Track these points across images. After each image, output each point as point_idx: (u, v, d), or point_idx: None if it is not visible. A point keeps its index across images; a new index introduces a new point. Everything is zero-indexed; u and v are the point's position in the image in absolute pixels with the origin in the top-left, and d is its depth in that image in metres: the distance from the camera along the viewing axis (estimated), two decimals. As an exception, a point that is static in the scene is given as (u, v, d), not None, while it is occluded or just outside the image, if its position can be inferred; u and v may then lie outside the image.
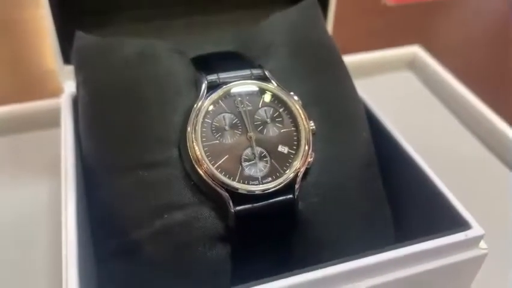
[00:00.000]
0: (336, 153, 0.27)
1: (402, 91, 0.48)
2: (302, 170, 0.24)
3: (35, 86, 0.49)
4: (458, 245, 0.24)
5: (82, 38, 0.28)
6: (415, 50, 0.50)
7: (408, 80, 0.50)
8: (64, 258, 0.22)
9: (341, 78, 0.30)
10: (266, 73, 0.26)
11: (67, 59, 0.32)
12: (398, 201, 0.29)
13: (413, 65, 0.51)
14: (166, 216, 0.24)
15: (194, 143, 0.24)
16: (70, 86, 0.31)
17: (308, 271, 0.22)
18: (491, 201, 0.36)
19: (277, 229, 0.25)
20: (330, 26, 0.37)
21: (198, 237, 0.24)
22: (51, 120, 0.38)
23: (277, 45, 0.29)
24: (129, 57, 0.27)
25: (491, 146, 0.41)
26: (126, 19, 0.36)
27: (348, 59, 0.48)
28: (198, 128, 0.24)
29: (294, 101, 0.26)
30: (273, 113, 0.25)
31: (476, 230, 0.24)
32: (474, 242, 0.24)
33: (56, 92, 0.45)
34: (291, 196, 0.24)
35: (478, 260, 0.24)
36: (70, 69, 0.32)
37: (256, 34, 0.30)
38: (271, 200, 0.24)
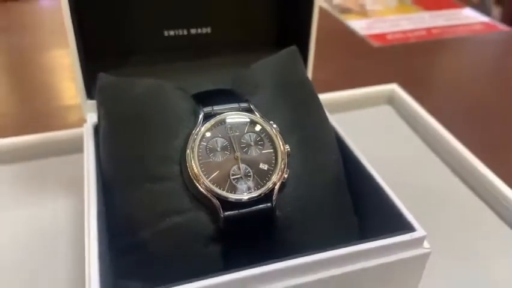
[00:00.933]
0: (310, 171, 0.33)
1: (381, 122, 0.54)
2: (279, 183, 0.30)
3: (60, 117, 0.56)
4: (406, 244, 0.29)
5: (103, 78, 0.35)
6: (393, 87, 0.57)
7: (387, 113, 0.56)
8: (87, 252, 0.28)
9: (315, 111, 0.36)
10: (251, 106, 0.33)
11: (89, 94, 0.39)
12: (361, 211, 0.34)
13: (391, 101, 0.57)
14: (168, 219, 0.30)
15: (192, 162, 0.30)
16: (91, 117, 0.38)
17: (272, 263, 0.27)
18: (454, 223, 0.42)
19: (259, 232, 0.30)
20: (310, 67, 0.43)
21: (195, 237, 0.30)
22: (75, 146, 0.45)
23: (262, 84, 0.36)
24: (140, 93, 0.33)
25: (455, 170, 0.47)
26: (138, 61, 0.43)
27: (334, 95, 0.55)
28: (195, 149, 0.30)
29: (273, 129, 0.32)
30: (256, 138, 0.31)
31: (419, 232, 0.29)
32: (418, 242, 0.29)
33: (78, 123, 0.52)
34: (269, 204, 0.30)
35: (423, 258, 0.30)
36: (91, 103, 0.39)
37: (246, 75, 0.37)
38: (253, 207, 0.29)
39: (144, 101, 0.33)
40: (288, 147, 0.32)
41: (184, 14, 0.43)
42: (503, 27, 0.83)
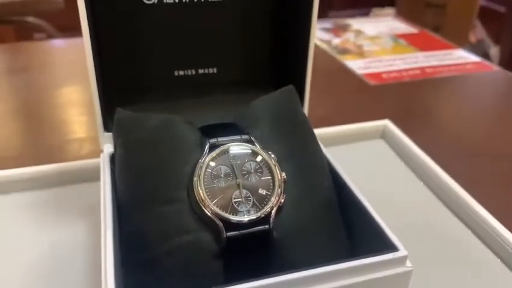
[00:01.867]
0: (304, 196, 0.37)
1: (374, 155, 0.58)
2: (276, 207, 0.34)
3: (75, 149, 0.60)
4: (389, 262, 0.32)
5: (120, 112, 0.39)
6: (386, 123, 0.61)
7: (380, 147, 0.60)
8: (103, 271, 0.31)
9: (309, 142, 0.40)
10: (252, 138, 0.37)
11: (106, 127, 0.43)
12: (351, 234, 0.38)
13: (384, 135, 0.61)
14: (176, 239, 0.33)
15: (199, 188, 0.34)
16: (108, 148, 0.42)
17: (266, 278, 0.30)
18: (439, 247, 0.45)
19: (258, 250, 0.34)
20: (307, 102, 0.47)
21: (200, 255, 0.33)
22: (91, 175, 0.49)
23: (261, 119, 0.40)
24: (154, 126, 0.38)
25: (444, 201, 0.50)
26: (151, 98, 0.47)
27: (331, 129, 0.59)
28: (202, 176, 0.34)
29: (271, 158, 0.36)
30: (256, 166, 0.35)
31: (402, 252, 0.33)
32: (401, 260, 0.33)
33: (91, 154, 0.56)
34: (267, 226, 0.33)
35: (406, 275, 0.33)
36: (108, 135, 0.43)
37: (247, 111, 0.41)
38: (253, 229, 0.33)
39: (157, 133, 0.37)
40: (284, 175, 0.35)
41: (193, 56, 0.48)
42: (494, 67, 0.88)
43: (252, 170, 0.35)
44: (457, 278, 0.41)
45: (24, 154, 0.59)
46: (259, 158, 0.36)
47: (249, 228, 0.33)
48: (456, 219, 0.48)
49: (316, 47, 0.95)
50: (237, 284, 0.30)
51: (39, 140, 0.62)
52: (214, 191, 0.34)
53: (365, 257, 0.32)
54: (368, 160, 0.58)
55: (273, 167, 0.35)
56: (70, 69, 0.85)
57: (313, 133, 0.41)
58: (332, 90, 0.78)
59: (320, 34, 1.00)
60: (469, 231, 0.46)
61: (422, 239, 0.45)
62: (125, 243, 0.35)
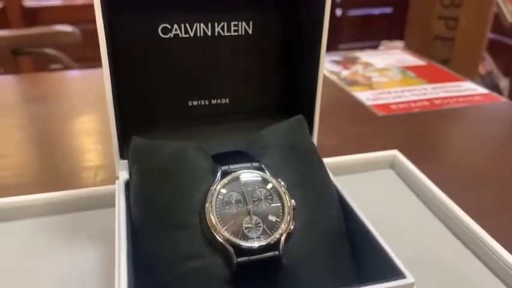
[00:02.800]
0: (313, 223, 0.37)
1: (383, 184, 0.59)
2: (285, 234, 0.35)
3: (91, 175, 0.61)
4: (396, 289, 0.33)
5: (136, 140, 0.41)
6: (395, 153, 0.62)
7: (388, 176, 0.61)
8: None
9: (318, 170, 0.41)
10: (262, 165, 0.38)
11: (121, 155, 0.45)
12: (359, 261, 0.38)
13: (393, 165, 0.62)
14: (187, 263, 0.34)
15: (211, 214, 0.35)
16: (123, 175, 0.43)
17: None
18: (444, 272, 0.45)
19: (268, 276, 0.35)
20: (316, 131, 0.49)
21: (211, 280, 0.34)
22: (105, 202, 0.50)
23: (270, 146, 0.41)
24: (168, 153, 0.39)
25: (454, 231, 0.51)
26: (166, 127, 0.49)
27: (340, 159, 0.60)
28: (213, 203, 0.35)
29: (281, 185, 0.37)
30: (266, 193, 0.36)
31: (409, 279, 0.33)
32: (408, 287, 0.33)
33: (105, 181, 0.58)
34: (277, 252, 0.34)
35: (412, 302, 0.33)
36: (123, 162, 0.44)
37: (257, 139, 0.42)
38: (262, 255, 0.34)
39: (171, 160, 0.39)
40: (293, 201, 0.36)
41: (206, 88, 0.50)
42: (503, 98, 0.89)
43: (262, 197, 0.36)
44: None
45: (40, 180, 0.61)
46: (269, 185, 0.37)
47: (258, 254, 0.34)
48: (466, 249, 0.48)
49: (326, 78, 0.97)
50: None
51: (54, 167, 0.64)
52: (226, 217, 0.35)
53: (372, 284, 0.32)
54: (377, 190, 0.58)
55: (282, 194, 0.36)
56: (85, 99, 0.87)
57: (322, 162, 0.42)
58: (340, 120, 0.79)
59: (329, 66, 1.02)
60: (480, 263, 0.47)
61: (431, 269, 0.45)
62: (138, 267, 0.36)
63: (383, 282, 0.33)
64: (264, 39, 0.49)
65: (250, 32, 0.48)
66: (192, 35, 0.47)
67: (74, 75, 1.07)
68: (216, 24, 0.47)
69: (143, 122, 0.48)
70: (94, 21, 0.38)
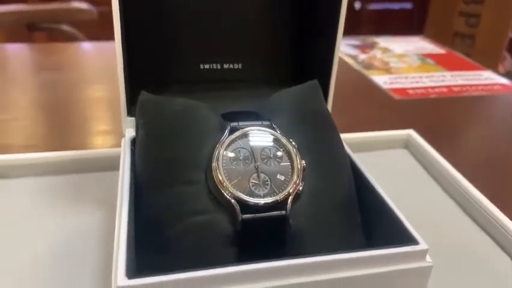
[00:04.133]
0: (323, 188, 0.36)
1: (397, 164, 0.57)
2: (293, 194, 0.33)
3: (103, 139, 0.61)
4: (408, 255, 0.31)
5: (145, 94, 0.40)
6: (410, 132, 0.60)
7: (403, 156, 0.59)
8: (116, 237, 0.31)
9: (330, 135, 0.39)
10: (273, 124, 0.36)
11: (129, 113, 0.43)
12: (370, 229, 0.37)
13: (407, 145, 0.60)
14: (192, 219, 0.33)
15: (217, 170, 0.33)
16: (129, 132, 0.42)
17: (274, 261, 0.29)
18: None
19: (273, 236, 0.33)
20: (330, 102, 0.47)
21: (214, 236, 0.32)
22: (113, 164, 0.49)
23: (282, 109, 0.40)
24: (177, 109, 0.38)
25: (469, 212, 0.49)
26: (176, 90, 0.48)
27: (352, 135, 0.58)
28: (220, 158, 0.34)
29: (292, 145, 0.35)
30: (275, 152, 0.35)
31: (422, 245, 0.32)
32: (421, 254, 0.31)
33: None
34: (283, 212, 0.33)
35: (425, 271, 0.32)
36: (130, 120, 0.43)
37: (269, 102, 0.41)
38: (268, 213, 0.32)
39: (179, 115, 0.37)
40: (304, 162, 0.35)
41: (219, 51, 0.48)
42: (523, 89, 0.86)
43: (272, 155, 0.35)
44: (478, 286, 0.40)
45: (49, 142, 0.60)
46: (279, 144, 0.35)
47: (264, 212, 0.32)
48: (479, 229, 0.47)
49: (342, 61, 0.95)
50: (250, 263, 0.29)
51: (64, 131, 0.63)
52: (232, 174, 0.33)
53: (383, 248, 0.31)
54: (390, 168, 0.56)
55: (293, 153, 0.35)
56: (98, 69, 0.87)
57: (335, 127, 0.41)
58: (355, 102, 0.77)
59: (346, 49, 1.00)
60: (494, 243, 0.45)
61: (444, 249, 0.43)
62: (142, 223, 0.35)
63: (393, 247, 0.31)
64: (283, 4, 0.48)
65: (267, -7, 0.47)
66: (206, -7, 0.46)
67: (88, 47, 1.06)
68: (230, -17, 0.46)
69: (154, 83, 0.47)
70: (110, 3, 0.37)
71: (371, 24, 2.84)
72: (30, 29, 1.44)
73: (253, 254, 0.33)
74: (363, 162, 0.54)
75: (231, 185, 0.33)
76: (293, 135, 0.37)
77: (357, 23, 2.76)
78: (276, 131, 0.36)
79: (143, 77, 0.46)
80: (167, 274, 0.28)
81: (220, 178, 0.33)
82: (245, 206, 0.32)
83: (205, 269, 0.28)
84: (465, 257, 0.43)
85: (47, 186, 0.48)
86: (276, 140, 0.35)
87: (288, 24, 0.49)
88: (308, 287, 0.30)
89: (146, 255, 0.33)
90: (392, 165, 0.57)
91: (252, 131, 0.35)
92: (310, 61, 0.49)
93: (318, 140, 0.38)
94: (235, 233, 0.33)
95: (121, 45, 0.40)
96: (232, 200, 0.32)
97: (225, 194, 0.32)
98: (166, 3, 0.45)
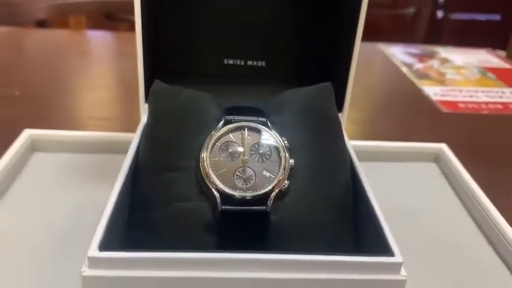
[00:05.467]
0: (312, 188, 0.36)
1: (423, 178, 0.55)
2: (276, 190, 0.34)
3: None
4: (381, 266, 0.30)
5: (157, 84, 0.42)
6: (441, 147, 0.57)
7: (431, 170, 0.56)
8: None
9: (332, 138, 0.39)
10: (268, 122, 0.37)
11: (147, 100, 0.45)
12: (358, 233, 0.36)
13: (437, 159, 0.57)
14: (176, 204, 0.34)
15: (204, 159, 0.34)
16: (144, 118, 0.44)
17: (238, 253, 0.29)
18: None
19: (252, 231, 0.34)
20: (347, 105, 0.46)
21: (196, 223, 0.34)
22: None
23: (287, 107, 0.40)
24: (183, 99, 0.39)
25: (492, 241, 0.45)
26: (197, 81, 0.49)
27: (381, 144, 0.57)
28: (209, 148, 0.35)
29: (283, 143, 0.36)
30: (265, 148, 0.35)
31: (397, 258, 0.31)
32: (394, 267, 0.31)
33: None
34: (264, 207, 0.33)
35: (398, 284, 0.31)
36: (146, 106, 0.45)
37: (277, 99, 0.41)
38: (249, 207, 0.33)
39: (183, 106, 0.39)
40: (292, 161, 0.35)
41: (244, 47, 0.49)
42: None
43: (261, 152, 0.35)
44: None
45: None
46: (270, 141, 0.36)
47: (245, 206, 0.33)
48: (498, 258, 0.44)
49: (396, 68, 0.92)
50: (209, 252, 0.30)
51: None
52: (219, 165, 0.34)
53: (353, 255, 0.30)
54: (416, 182, 0.54)
55: (282, 152, 0.35)
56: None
57: (340, 130, 0.40)
58: (398, 110, 0.75)
59: (403, 57, 0.97)
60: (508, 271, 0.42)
61: (461, 273, 0.41)
62: (132, 204, 0.36)
63: (365, 255, 0.31)
64: (309, 2, 0.48)
65: (293, -7, 0.47)
66: (234, -10, 0.47)
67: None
68: (260, -21, 0.46)
69: (177, 74, 0.49)
70: None
71: (454, 34, 2.71)
72: (108, 19, 1.53)
73: (231, 246, 0.33)
74: (388, 172, 0.53)
75: (216, 176, 0.34)
76: (292, 133, 0.38)
77: (437, 32, 2.64)
78: (270, 129, 0.36)
79: (167, 66, 0.48)
80: (134, 251, 0.29)
81: (206, 167, 0.34)
82: (226, 198, 0.33)
83: (167, 251, 0.29)
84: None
85: (66, 162, 0.52)
86: (267, 137, 0.36)
87: (313, 26, 0.49)
88: (269, 283, 0.30)
89: (135, 233, 0.35)
90: (416, 177, 0.55)
91: (245, 126, 0.36)
92: (331, 64, 0.48)
93: (318, 140, 0.38)
94: (216, 222, 0.33)
95: (141, 34, 0.42)
96: (214, 191, 0.33)
97: (208, 183, 0.33)
98: (196, -2, 0.47)
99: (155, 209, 0.35)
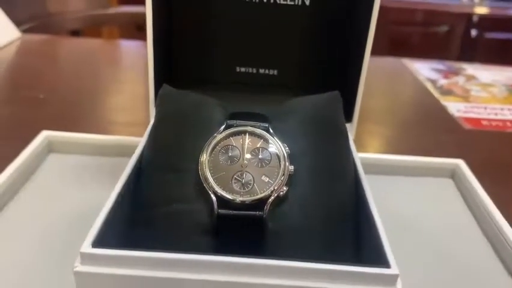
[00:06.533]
0: (311, 195, 0.35)
1: (437, 193, 0.54)
2: (273, 196, 0.33)
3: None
4: (377, 277, 0.30)
5: (165, 88, 0.42)
6: (458, 163, 0.56)
7: (446, 186, 0.55)
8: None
9: (338, 146, 0.38)
10: (270, 128, 0.37)
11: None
12: (358, 243, 0.35)
13: (454, 175, 0.56)
14: (174, 204, 0.34)
15: (203, 161, 0.35)
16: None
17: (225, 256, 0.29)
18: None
19: (248, 236, 0.33)
20: (356, 114, 0.46)
21: (192, 225, 0.34)
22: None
23: (293, 113, 0.40)
24: (188, 102, 0.40)
25: (506, 263, 0.44)
26: (210, 89, 0.49)
27: (396, 157, 0.56)
28: (209, 150, 0.35)
29: (283, 150, 0.35)
30: (265, 154, 0.35)
31: (393, 269, 0.30)
32: (389, 279, 0.30)
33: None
34: (261, 213, 0.33)
35: (394, 297, 0.30)
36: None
37: (283, 106, 0.41)
38: (245, 212, 0.33)
39: (188, 109, 0.39)
40: (292, 168, 0.35)
41: (256, 55, 0.50)
42: None
43: (260, 156, 0.35)
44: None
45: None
46: (270, 147, 0.36)
47: (241, 210, 0.33)
48: (508, 275, 0.42)
49: (419, 84, 0.91)
50: (199, 254, 0.29)
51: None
52: (218, 167, 0.34)
53: (347, 264, 0.30)
54: (431, 197, 0.53)
55: (282, 158, 0.35)
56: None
57: (346, 140, 0.40)
58: (419, 126, 0.74)
59: (428, 73, 0.95)
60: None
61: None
62: (133, 203, 0.37)
63: (358, 265, 0.30)
64: (320, 13, 0.48)
65: (307, 3, 0.47)
66: (247, -1, 0.47)
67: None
68: (273, -11, 0.47)
69: (190, 81, 0.50)
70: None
71: (488, 52, 2.65)
72: (140, 29, 1.57)
73: (227, 249, 0.33)
74: (402, 186, 0.52)
75: (214, 179, 0.34)
76: (294, 140, 0.37)
77: (471, 51, 2.59)
78: (271, 135, 0.36)
79: (181, 74, 0.49)
80: (126, 250, 0.30)
81: (205, 170, 0.34)
82: (223, 201, 0.33)
83: (160, 251, 0.29)
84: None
85: (77, 164, 0.53)
86: (268, 143, 0.36)
87: (324, 36, 0.49)
88: (259, 288, 0.29)
89: (134, 229, 0.35)
90: (432, 193, 0.54)
91: (246, 131, 0.36)
92: (342, 74, 0.48)
93: (321, 148, 0.38)
94: (212, 225, 0.33)
95: (152, 41, 0.43)
96: (212, 194, 0.33)
97: (206, 186, 0.33)
98: (211, 6, 0.48)
99: (153, 208, 0.35)
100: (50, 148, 0.55)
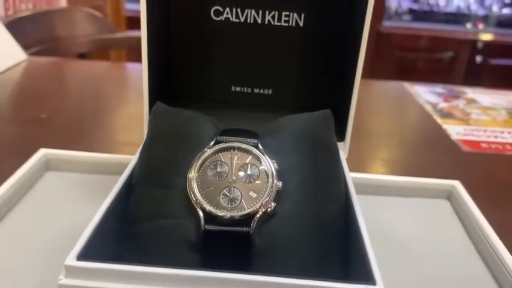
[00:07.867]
0: (300, 212, 0.35)
1: (434, 215, 0.53)
2: (261, 211, 0.33)
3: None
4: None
5: (158, 105, 0.43)
6: (455, 184, 0.55)
7: (442, 207, 0.55)
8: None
9: (327, 163, 0.39)
10: (259, 144, 0.37)
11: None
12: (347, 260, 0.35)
13: (450, 196, 0.55)
14: (160, 220, 0.35)
15: (191, 177, 0.35)
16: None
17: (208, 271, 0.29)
18: None
19: (235, 252, 0.33)
20: (348, 137, 0.46)
21: (178, 241, 0.34)
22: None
23: (283, 130, 0.40)
24: (179, 119, 0.40)
25: (494, 274, 0.43)
26: (204, 107, 0.49)
27: (391, 178, 0.55)
28: (197, 166, 0.35)
29: (272, 166, 0.35)
30: (253, 170, 0.35)
31: (379, 286, 0.29)
32: (376, 296, 0.29)
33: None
34: (247, 229, 0.33)
35: (379, 316, 0.29)
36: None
37: (274, 123, 0.41)
38: (232, 227, 0.33)
39: (179, 126, 0.40)
40: (280, 184, 0.35)
41: (251, 75, 0.50)
42: None
43: (249, 172, 0.35)
44: None
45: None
46: (259, 163, 0.36)
47: (228, 226, 0.33)
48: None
49: (419, 107, 0.91)
50: (184, 269, 0.29)
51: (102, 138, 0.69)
52: (206, 183, 0.35)
53: (329, 281, 0.29)
54: (426, 218, 0.53)
55: (270, 174, 0.35)
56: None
57: (337, 157, 0.40)
58: (418, 148, 0.74)
59: (428, 96, 0.96)
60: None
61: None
62: (122, 217, 0.37)
63: (342, 282, 0.29)
64: (314, 34, 0.48)
65: (301, 24, 0.48)
66: (242, 20, 0.48)
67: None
68: (267, 12, 0.48)
69: (187, 100, 0.50)
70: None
71: (493, 78, 2.66)
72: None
73: (213, 265, 0.33)
74: (398, 207, 0.52)
75: (201, 195, 0.34)
76: (284, 156, 0.38)
77: (476, 76, 2.60)
78: (260, 151, 0.36)
79: (177, 92, 0.50)
80: (111, 263, 0.30)
81: (193, 185, 0.34)
82: (210, 217, 0.33)
83: (145, 266, 0.29)
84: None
85: (73, 181, 0.53)
86: (256, 159, 0.36)
87: (318, 57, 0.49)
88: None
89: (118, 246, 0.35)
90: (427, 213, 0.53)
91: (235, 147, 0.36)
92: (334, 94, 0.48)
93: (310, 166, 0.38)
94: (199, 241, 0.33)
95: (147, 60, 0.44)
96: (199, 210, 0.33)
97: (193, 201, 0.34)
98: (206, 26, 0.49)
99: (141, 223, 0.35)
100: (47, 166, 0.55)
